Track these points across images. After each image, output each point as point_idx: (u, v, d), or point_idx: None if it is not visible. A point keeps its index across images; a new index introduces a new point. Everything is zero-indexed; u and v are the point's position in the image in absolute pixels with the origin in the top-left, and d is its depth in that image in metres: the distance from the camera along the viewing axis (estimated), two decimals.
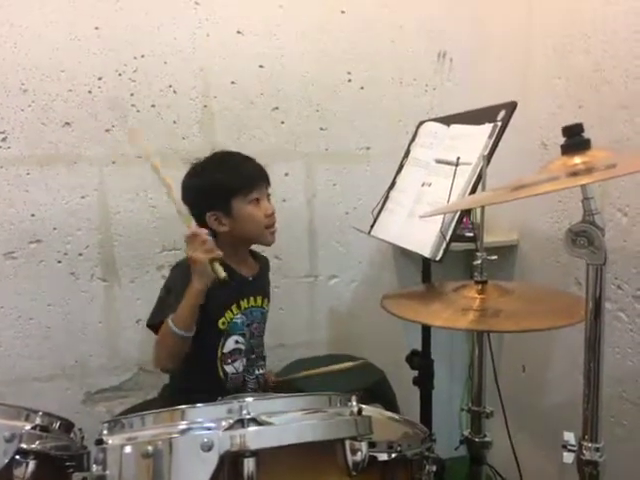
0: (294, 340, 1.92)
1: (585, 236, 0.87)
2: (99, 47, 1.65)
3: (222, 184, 1.35)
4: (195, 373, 1.34)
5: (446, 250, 1.25)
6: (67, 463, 0.95)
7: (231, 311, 1.39)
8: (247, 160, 1.42)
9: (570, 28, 1.59)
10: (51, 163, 1.65)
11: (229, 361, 1.40)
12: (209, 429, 0.76)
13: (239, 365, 1.42)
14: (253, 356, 1.46)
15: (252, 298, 1.45)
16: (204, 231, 1.29)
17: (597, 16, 1.49)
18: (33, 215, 1.65)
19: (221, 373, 1.39)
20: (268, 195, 1.43)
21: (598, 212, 0.89)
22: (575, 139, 0.91)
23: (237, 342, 1.41)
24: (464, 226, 1.78)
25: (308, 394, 0.87)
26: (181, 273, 1.37)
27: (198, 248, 1.26)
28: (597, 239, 0.86)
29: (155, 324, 1.35)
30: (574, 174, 0.87)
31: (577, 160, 0.90)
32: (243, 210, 1.36)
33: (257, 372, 1.47)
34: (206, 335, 1.34)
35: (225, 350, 1.39)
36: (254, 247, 1.51)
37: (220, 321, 1.38)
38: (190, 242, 1.28)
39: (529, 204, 1.76)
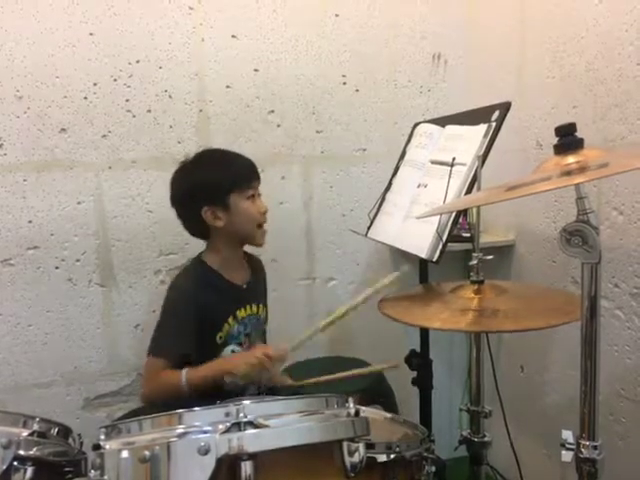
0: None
1: (579, 235, 0.87)
2: (94, 53, 1.65)
3: (221, 179, 1.36)
4: None
5: (443, 251, 1.25)
6: (65, 469, 0.95)
7: (228, 323, 1.39)
8: (240, 156, 1.43)
9: (563, 29, 1.59)
10: (47, 169, 1.65)
11: None
12: (206, 433, 0.76)
13: None
14: None
15: (248, 306, 1.44)
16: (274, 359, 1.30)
17: (590, 16, 1.50)
18: (30, 221, 1.65)
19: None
20: (259, 194, 1.43)
21: (592, 211, 0.89)
22: (568, 139, 0.92)
23: (233, 351, 1.40)
24: (461, 227, 1.78)
25: (305, 396, 0.87)
26: (172, 301, 1.37)
27: (265, 367, 1.28)
28: (591, 238, 0.86)
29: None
30: (567, 173, 0.88)
31: (570, 159, 0.90)
32: (240, 205, 1.37)
33: (260, 380, 1.46)
34: (202, 347, 1.34)
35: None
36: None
37: (218, 335, 1.37)
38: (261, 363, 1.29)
39: (525, 204, 1.77)
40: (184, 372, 1.28)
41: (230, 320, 1.39)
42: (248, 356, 1.30)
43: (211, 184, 1.35)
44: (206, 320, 1.34)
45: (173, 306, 1.37)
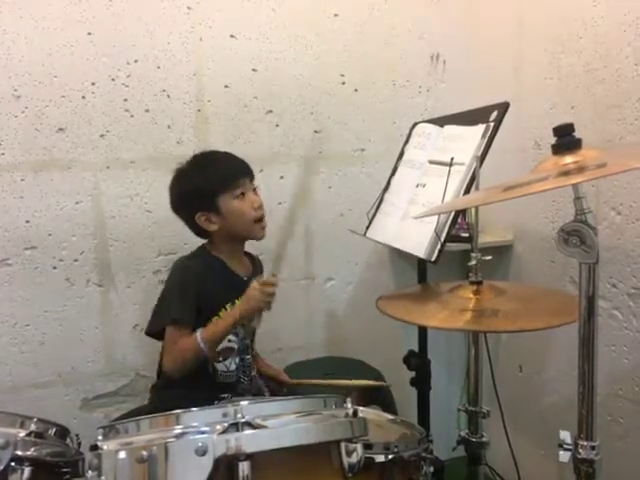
0: (291, 343, 1.92)
1: (577, 235, 0.87)
2: (92, 52, 1.65)
3: (206, 184, 1.38)
4: None
5: (441, 251, 1.25)
6: (63, 469, 0.95)
7: (225, 310, 1.40)
8: (228, 157, 1.44)
9: (561, 29, 1.60)
10: (45, 169, 1.64)
11: (220, 359, 1.40)
12: (203, 433, 0.76)
13: (230, 363, 1.42)
14: (248, 357, 1.46)
15: None
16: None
17: (588, 17, 1.50)
18: (28, 221, 1.64)
19: (211, 370, 1.39)
20: (254, 189, 1.44)
21: (590, 211, 0.89)
22: (566, 139, 0.92)
23: (229, 341, 1.41)
24: (459, 227, 1.78)
25: (303, 396, 0.87)
26: (176, 275, 1.40)
27: (269, 297, 1.32)
28: (589, 238, 0.86)
29: (154, 332, 1.39)
30: (565, 174, 0.88)
31: (568, 160, 0.90)
32: (230, 206, 1.38)
33: (252, 374, 1.48)
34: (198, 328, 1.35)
35: (217, 348, 1.39)
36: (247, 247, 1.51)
37: (214, 319, 1.38)
38: (266, 287, 1.32)
39: (524, 204, 1.77)
40: (198, 333, 1.31)
41: (228, 307, 1.40)
42: (249, 296, 1.33)
43: (197, 191, 1.38)
44: (204, 301, 1.36)
45: (177, 279, 1.39)
